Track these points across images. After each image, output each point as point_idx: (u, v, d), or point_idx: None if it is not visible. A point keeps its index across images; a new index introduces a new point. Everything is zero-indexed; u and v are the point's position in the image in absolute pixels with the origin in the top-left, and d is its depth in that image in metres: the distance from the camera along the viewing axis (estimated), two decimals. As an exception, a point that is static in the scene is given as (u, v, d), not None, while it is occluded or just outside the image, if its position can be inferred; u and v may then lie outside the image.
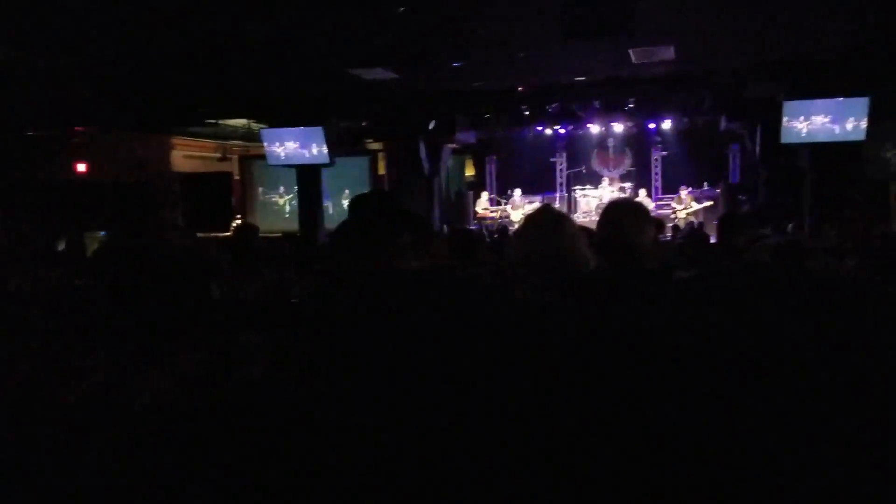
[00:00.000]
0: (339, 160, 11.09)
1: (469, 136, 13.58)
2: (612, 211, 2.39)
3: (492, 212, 15.07)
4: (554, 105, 11.90)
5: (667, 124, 14.04)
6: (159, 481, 2.12)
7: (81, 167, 11.98)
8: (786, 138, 9.26)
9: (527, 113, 12.13)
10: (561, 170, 16.05)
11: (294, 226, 12.55)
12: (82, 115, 10.97)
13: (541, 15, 6.39)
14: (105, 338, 2.55)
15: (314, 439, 1.70)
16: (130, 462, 2.18)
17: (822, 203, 9.57)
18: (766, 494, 1.74)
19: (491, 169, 16.62)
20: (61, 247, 8.10)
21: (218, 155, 15.15)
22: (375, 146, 14.03)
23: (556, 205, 13.99)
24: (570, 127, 14.10)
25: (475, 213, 14.94)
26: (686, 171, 14.67)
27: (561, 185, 15.99)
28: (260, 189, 14.63)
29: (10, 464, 2.13)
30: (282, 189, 14.30)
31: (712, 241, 8.04)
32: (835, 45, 8.03)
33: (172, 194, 12.37)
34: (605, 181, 14.90)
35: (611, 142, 15.52)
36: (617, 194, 13.82)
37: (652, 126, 14.36)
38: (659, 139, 15.30)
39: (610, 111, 12.37)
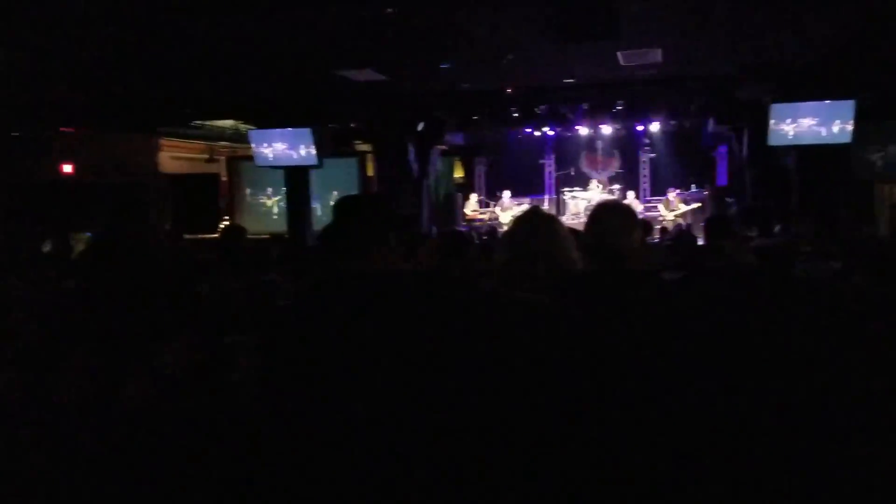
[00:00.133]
0: (327, 161, 11.03)
1: (458, 138, 13.55)
2: (600, 213, 2.40)
3: (481, 214, 15.05)
4: (542, 107, 11.91)
5: (655, 127, 14.09)
6: (146, 481, 2.11)
7: (67, 168, 11.89)
8: (773, 141, 9.34)
9: (515, 115, 12.11)
10: (549, 172, 16.10)
11: (282, 227, 12.49)
12: (68, 116, 10.91)
13: (529, 18, 6.41)
14: (91, 339, 2.54)
15: (300, 441, 1.70)
16: (117, 462, 2.17)
17: (809, 205, 9.64)
18: (750, 493, 1.76)
19: (480, 171, 16.65)
20: (47, 248, 8.03)
21: (206, 156, 15.06)
22: (364, 147, 13.98)
23: (545, 207, 14.01)
24: (559, 129, 14.13)
25: (464, 214, 14.91)
26: (674, 174, 14.80)
27: (550, 187, 16.03)
28: (248, 190, 14.53)
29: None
30: (270, 190, 14.22)
31: (700, 243, 8.06)
32: (821, 48, 8.10)
33: (160, 195, 12.31)
34: (594, 183, 14.93)
35: (599, 144, 15.57)
36: (605, 196, 13.84)
37: (640, 128, 14.42)
38: (647, 141, 15.39)
39: (598, 113, 12.38)
